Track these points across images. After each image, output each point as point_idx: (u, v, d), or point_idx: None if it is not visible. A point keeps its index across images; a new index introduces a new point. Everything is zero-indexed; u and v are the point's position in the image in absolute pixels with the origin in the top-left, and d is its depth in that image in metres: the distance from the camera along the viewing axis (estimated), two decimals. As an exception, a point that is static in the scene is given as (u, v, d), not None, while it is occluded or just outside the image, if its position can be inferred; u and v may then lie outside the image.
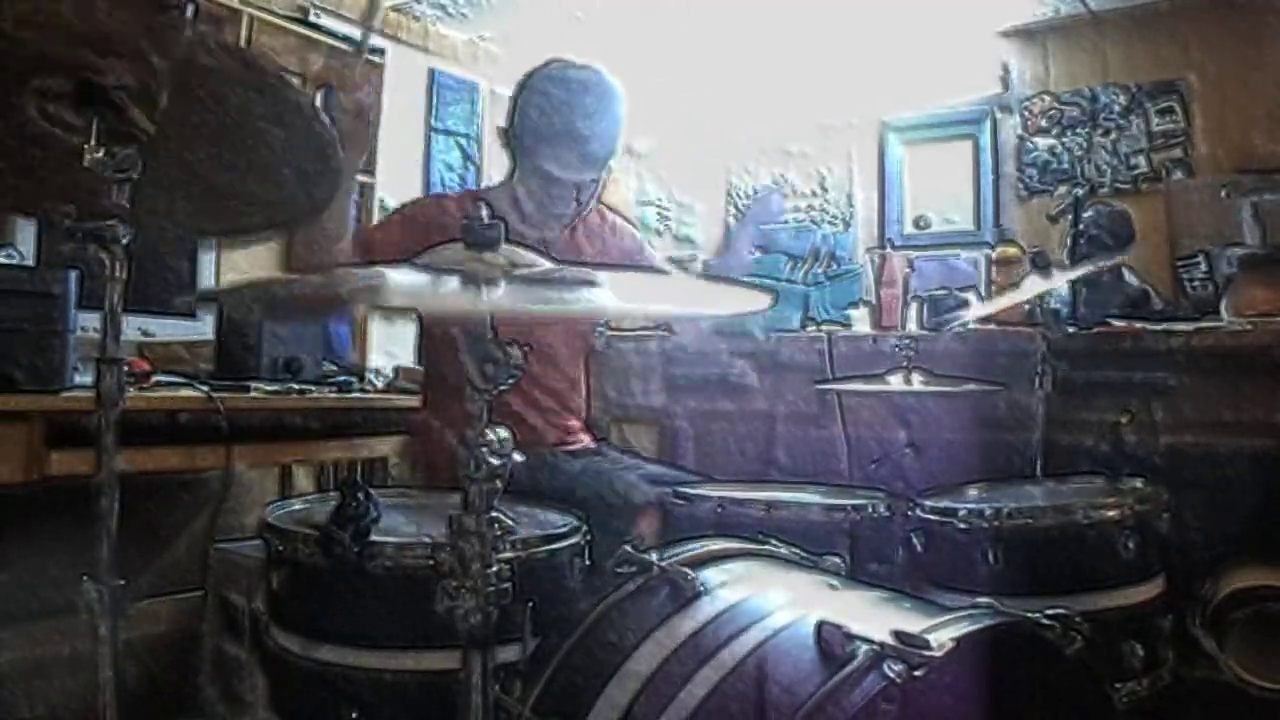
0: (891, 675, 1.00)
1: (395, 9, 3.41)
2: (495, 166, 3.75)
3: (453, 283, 1.04)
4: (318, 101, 3.09)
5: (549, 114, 2.04)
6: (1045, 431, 2.17)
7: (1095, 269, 2.53)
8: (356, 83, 2.00)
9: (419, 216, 2.19)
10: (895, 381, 2.09)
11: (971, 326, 2.63)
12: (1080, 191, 3.10)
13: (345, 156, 2.02)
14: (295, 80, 3.05)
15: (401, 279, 1.07)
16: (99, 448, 1.23)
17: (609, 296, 1.10)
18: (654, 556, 1.33)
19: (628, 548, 1.36)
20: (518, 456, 1.07)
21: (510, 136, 2.12)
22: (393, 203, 3.38)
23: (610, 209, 2.39)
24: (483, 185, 3.72)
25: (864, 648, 1.04)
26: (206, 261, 2.61)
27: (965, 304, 2.63)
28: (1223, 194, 2.94)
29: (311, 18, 3.02)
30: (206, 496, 2.54)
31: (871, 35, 3.47)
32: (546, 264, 1.10)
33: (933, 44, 3.48)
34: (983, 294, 3.15)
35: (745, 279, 3.20)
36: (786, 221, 3.73)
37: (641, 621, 1.24)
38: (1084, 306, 2.68)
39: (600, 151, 2.07)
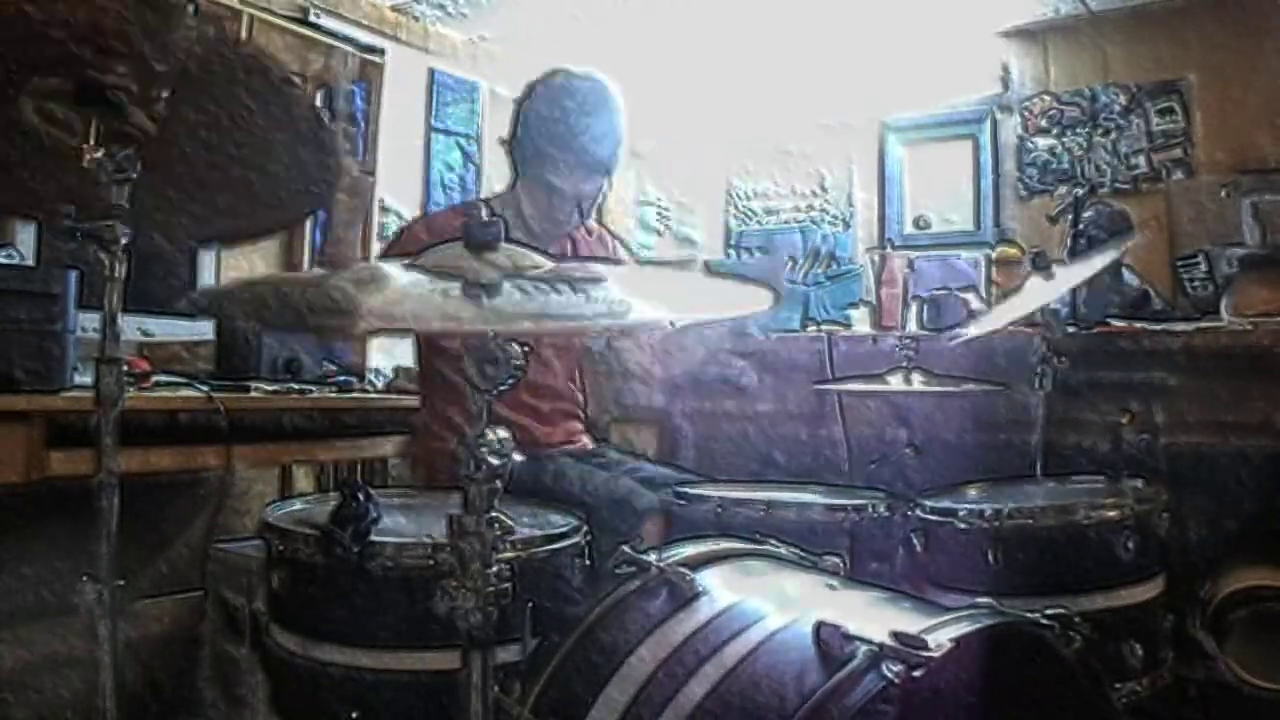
0: (890, 675, 1.00)
1: (395, 9, 3.41)
2: (495, 166, 3.75)
3: (453, 290, 1.03)
4: (318, 101, 3.10)
5: (551, 125, 2.05)
6: (1045, 431, 2.17)
7: (1096, 270, 2.52)
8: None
9: (444, 231, 2.18)
10: (895, 381, 2.09)
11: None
12: (1080, 191, 3.10)
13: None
14: (295, 80, 3.05)
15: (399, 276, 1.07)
16: (99, 448, 1.23)
17: (616, 295, 1.10)
18: (653, 557, 1.33)
19: (626, 548, 1.36)
20: (518, 456, 1.07)
21: (512, 147, 2.13)
22: (392, 202, 3.39)
23: (597, 222, 2.40)
24: (483, 186, 3.72)
25: (863, 648, 1.04)
26: (206, 261, 2.61)
27: (970, 314, 2.63)
28: (1223, 194, 2.94)
29: (311, 18, 3.02)
30: (206, 496, 2.54)
31: (871, 35, 3.47)
32: (548, 263, 1.10)
33: (933, 44, 3.48)
34: (983, 294, 3.16)
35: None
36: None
37: (641, 622, 1.24)
38: (1084, 306, 2.68)
39: (603, 161, 2.08)
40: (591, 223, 2.34)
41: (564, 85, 2.09)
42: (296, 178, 1.34)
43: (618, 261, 2.35)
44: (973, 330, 2.41)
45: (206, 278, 2.58)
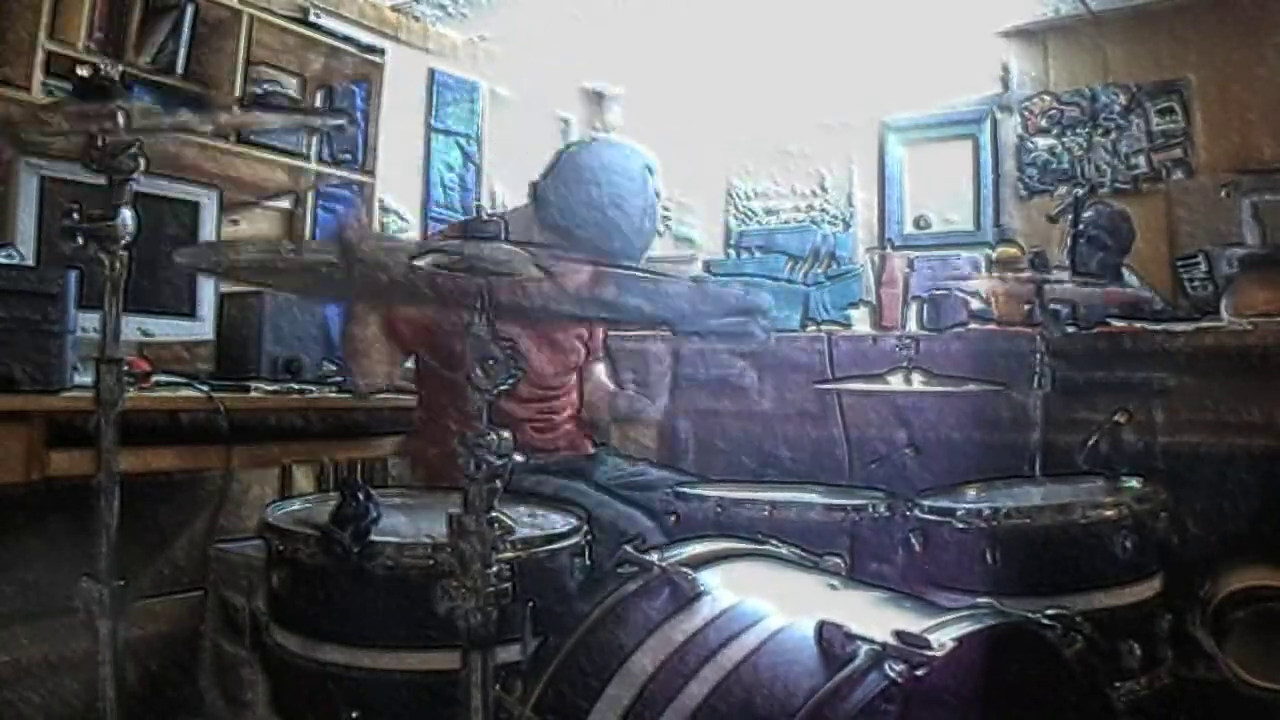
0: (893, 675, 1.00)
1: (395, 9, 3.41)
2: (495, 166, 3.76)
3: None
4: (318, 102, 3.10)
5: (574, 210, 1.99)
6: (1045, 431, 2.17)
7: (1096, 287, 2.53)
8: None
9: None
10: (895, 381, 2.09)
11: (971, 327, 2.63)
12: (1080, 191, 3.10)
13: None
14: (294, 80, 3.05)
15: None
16: (99, 448, 1.23)
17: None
18: (654, 557, 1.33)
19: (628, 548, 1.36)
20: (518, 457, 1.07)
21: (537, 197, 2.07)
22: (392, 202, 3.39)
23: None
24: (482, 186, 3.72)
25: (865, 648, 1.04)
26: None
27: (971, 314, 2.64)
28: (1223, 194, 2.94)
29: (311, 18, 3.02)
30: (206, 496, 2.54)
31: (871, 35, 3.47)
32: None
33: (933, 44, 3.48)
34: (983, 294, 3.15)
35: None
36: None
37: (642, 622, 1.24)
38: (1084, 306, 2.68)
39: (617, 259, 2.06)
40: None
41: (601, 167, 2.02)
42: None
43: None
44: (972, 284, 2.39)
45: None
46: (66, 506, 1.38)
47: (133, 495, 1.26)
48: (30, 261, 2.08)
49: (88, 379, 1.46)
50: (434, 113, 3.58)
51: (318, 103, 3.09)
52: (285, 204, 3.10)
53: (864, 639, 1.05)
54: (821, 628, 1.08)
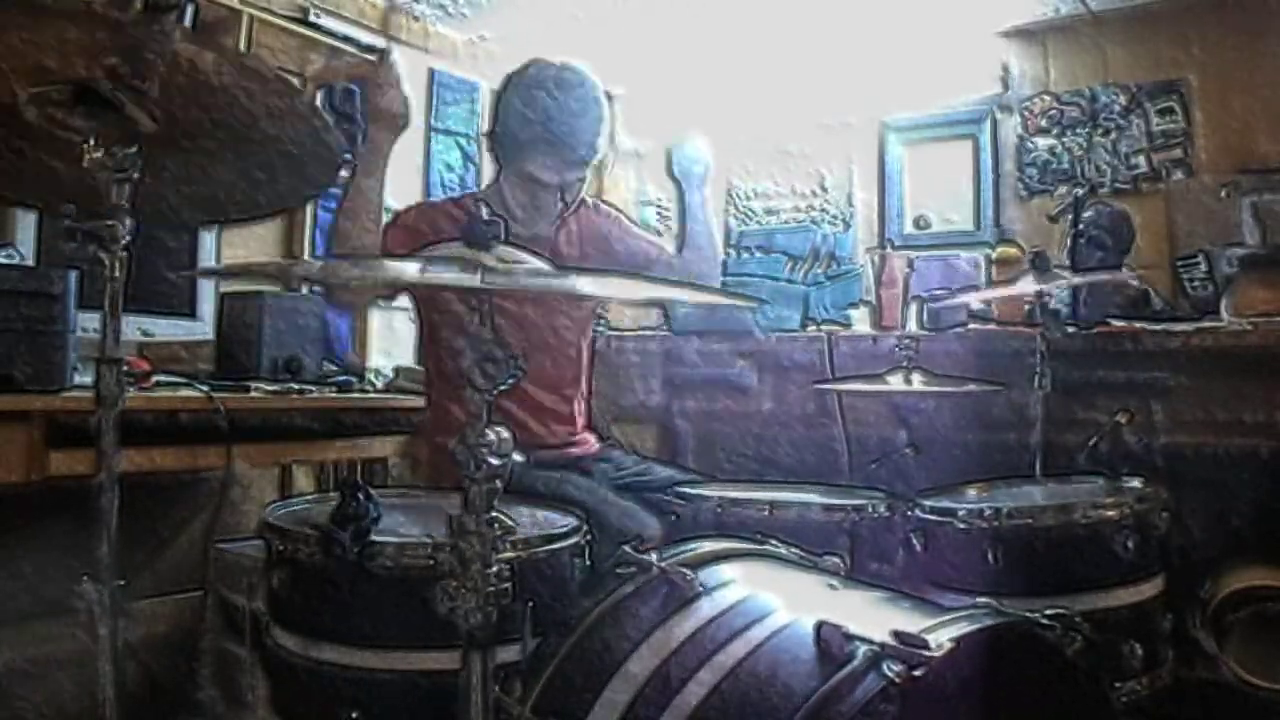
0: (890, 675, 1.00)
1: (395, 9, 3.41)
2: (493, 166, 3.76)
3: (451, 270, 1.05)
4: (318, 101, 3.10)
5: (528, 119, 2.08)
6: (1045, 431, 2.17)
7: (1096, 279, 2.53)
8: (383, 85, 2.09)
9: (421, 225, 2.20)
10: (895, 381, 2.10)
11: (971, 327, 2.63)
12: (1080, 191, 3.10)
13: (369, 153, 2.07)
14: (294, 80, 3.05)
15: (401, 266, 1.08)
16: (99, 448, 1.23)
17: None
18: (653, 557, 1.33)
19: (627, 548, 1.36)
20: (518, 456, 1.07)
21: (493, 140, 2.18)
22: (392, 202, 3.38)
23: (600, 200, 2.41)
24: (482, 186, 3.72)
25: (863, 648, 1.04)
26: (206, 259, 2.61)
27: (970, 314, 2.64)
28: (1223, 194, 2.94)
29: (311, 18, 3.02)
30: (206, 496, 2.54)
31: (871, 35, 3.47)
32: (542, 265, 1.11)
33: (933, 44, 3.48)
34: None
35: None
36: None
37: (641, 622, 1.24)
38: (1084, 306, 2.68)
39: (582, 152, 2.12)
40: (590, 200, 2.34)
41: (540, 76, 2.11)
42: (292, 169, 1.35)
43: (647, 242, 2.40)
44: (970, 297, 2.41)
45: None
46: (66, 506, 1.38)
47: (133, 495, 1.26)
48: (30, 261, 2.08)
49: (88, 379, 1.46)
50: (434, 113, 3.57)
51: (318, 103, 3.09)
52: (285, 204, 3.10)
53: (862, 639, 1.05)
54: (820, 628, 1.08)
